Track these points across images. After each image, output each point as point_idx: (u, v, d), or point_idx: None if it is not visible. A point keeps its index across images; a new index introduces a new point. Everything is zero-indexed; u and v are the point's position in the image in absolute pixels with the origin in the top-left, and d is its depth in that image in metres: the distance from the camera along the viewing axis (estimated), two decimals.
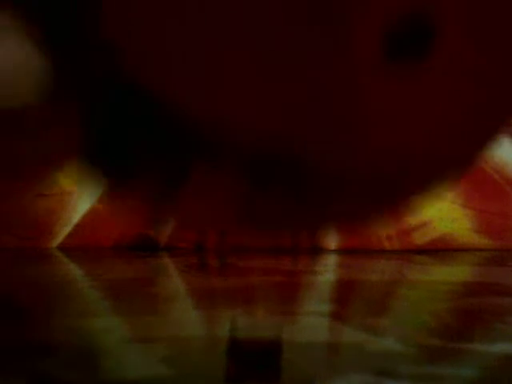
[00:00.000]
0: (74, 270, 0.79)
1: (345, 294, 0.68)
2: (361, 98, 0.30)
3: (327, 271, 0.76)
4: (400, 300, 0.65)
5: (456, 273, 0.77)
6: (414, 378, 0.43)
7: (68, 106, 0.34)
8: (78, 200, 0.84)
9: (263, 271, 0.73)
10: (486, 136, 0.36)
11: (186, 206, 0.36)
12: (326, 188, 0.30)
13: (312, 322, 0.55)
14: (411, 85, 0.31)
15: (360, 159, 0.32)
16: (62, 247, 0.84)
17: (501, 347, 0.49)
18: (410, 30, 0.30)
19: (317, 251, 0.84)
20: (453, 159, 0.37)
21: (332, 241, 0.85)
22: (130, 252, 0.83)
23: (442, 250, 0.85)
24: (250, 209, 0.29)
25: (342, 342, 0.50)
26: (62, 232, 0.84)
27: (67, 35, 0.27)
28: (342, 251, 0.84)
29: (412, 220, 0.85)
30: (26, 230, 0.84)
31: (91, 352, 0.47)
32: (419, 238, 0.85)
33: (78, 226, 0.84)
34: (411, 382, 0.42)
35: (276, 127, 0.29)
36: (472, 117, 0.34)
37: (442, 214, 0.85)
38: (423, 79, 0.31)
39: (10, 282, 0.69)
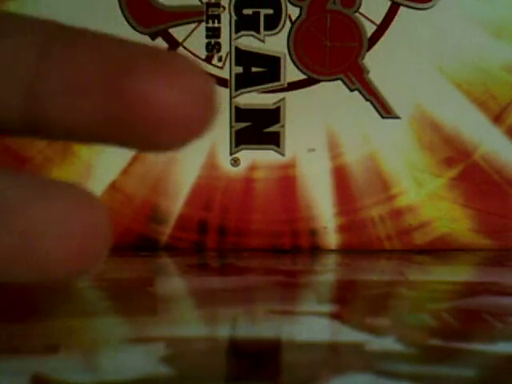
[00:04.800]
0: None
1: (345, 293, 0.68)
2: None
3: (327, 271, 0.76)
4: (400, 300, 0.64)
5: (456, 273, 0.77)
6: (414, 378, 0.43)
7: None
8: None
9: (263, 271, 0.73)
10: None
11: None
12: None
13: (312, 321, 0.55)
14: None
15: None
16: None
17: (501, 347, 0.49)
18: None
19: (317, 251, 0.85)
20: None
21: (332, 241, 0.85)
22: (130, 252, 0.83)
23: (442, 250, 0.85)
24: None
25: (342, 342, 0.50)
26: None
27: None
28: (342, 251, 0.84)
29: (412, 220, 0.85)
30: None
31: (91, 352, 0.47)
32: (419, 238, 0.85)
33: None
34: (411, 382, 0.42)
35: None
36: None
37: (442, 213, 0.85)
38: None
39: (10, 281, 0.69)
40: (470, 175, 0.84)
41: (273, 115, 0.83)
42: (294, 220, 0.85)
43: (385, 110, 0.83)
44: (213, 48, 0.82)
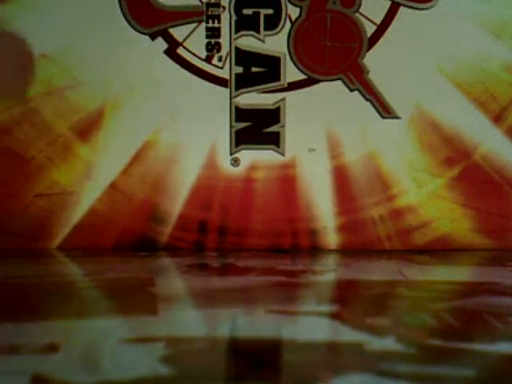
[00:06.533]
0: (74, 270, 0.79)
1: (345, 293, 0.68)
2: None
3: (327, 271, 0.76)
4: (400, 300, 0.64)
5: (456, 273, 0.77)
6: (413, 378, 0.43)
7: None
8: (78, 200, 0.84)
9: (263, 271, 0.73)
10: None
11: None
12: None
13: (312, 322, 0.55)
14: None
15: None
16: (62, 247, 0.84)
17: (501, 347, 0.49)
18: None
19: (317, 251, 0.85)
20: None
21: (332, 241, 0.85)
22: (130, 252, 0.83)
23: (441, 250, 0.85)
24: None
25: (342, 342, 0.50)
26: (62, 232, 0.84)
27: None
28: (342, 251, 0.84)
29: (412, 220, 0.85)
30: (26, 230, 0.84)
31: (91, 352, 0.47)
32: (419, 238, 0.85)
33: (77, 227, 0.84)
34: (411, 382, 0.42)
35: None
36: None
37: (442, 213, 0.85)
38: None
39: (11, 282, 0.69)
40: (470, 175, 0.84)
41: (273, 115, 0.83)
42: (294, 220, 0.85)
43: (385, 110, 0.83)
44: (213, 48, 0.82)
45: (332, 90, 0.83)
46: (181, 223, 0.85)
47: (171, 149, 0.83)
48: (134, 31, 0.82)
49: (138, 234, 0.85)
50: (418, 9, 0.81)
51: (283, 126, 0.83)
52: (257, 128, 0.84)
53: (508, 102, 0.83)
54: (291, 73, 0.82)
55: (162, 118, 0.83)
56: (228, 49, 0.82)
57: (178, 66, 0.82)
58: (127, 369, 0.44)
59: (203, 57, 0.82)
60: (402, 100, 0.83)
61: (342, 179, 0.84)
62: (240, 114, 0.83)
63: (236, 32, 0.82)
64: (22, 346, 0.48)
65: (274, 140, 0.84)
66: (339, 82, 0.82)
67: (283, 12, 0.81)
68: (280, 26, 0.82)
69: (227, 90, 0.82)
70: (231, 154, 0.84)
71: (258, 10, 0.81)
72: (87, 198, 0.84)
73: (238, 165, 0.84)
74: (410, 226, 0.85)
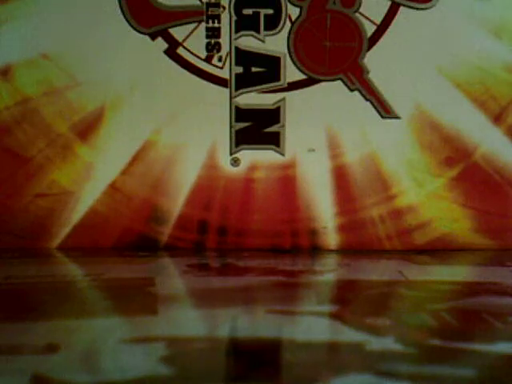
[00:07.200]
0: (74, 270, 0.79)
1: (345, 293, 0.68)
2: None
3: (327, 271, 0.76)
4: (400, 300, 0.64)
5: (456, 273, 0.77)
6: (413, 378, 0.43)
7: None
8: (78, 200, 0.84)
9: (263, 271, 0.73)
10: None
11: None
12: None
13: (312, 322, 0.55)
14: None
15: None
16: (62, 247, 0.84)
17: (501, 347, 0.49)
18: None
19: (317, 251, 0.85)
20: None
21: (332, 241, 0.85)
22: (130, 252, 0.83)
23: (442, 249, 0.85)
24: None
25: (342, 342, 0.50)
26: (62, 232, 0.85)
27: None
28: (342, 251, 0.84)
29: (412, 220, 0.85)
30: (26, 230, 0.84)
31: (91, 352, 0.47)
32: (419, 238, 0.85)
33: (77, 226, 0.84)
34: (411, 382, 0.42)
35: None
36: None
37: (442, 213, 0.85)
38: None
39: (10, 282, 0.69)
40: (470, 175, 0.84)
41: (273, 115, 0.83)
42: (294, 220, 0.85)
43: (385, 110, 0.83)
44: (213, 48, 0.82)
45: (332, 90, 0.83)
46: (181, 223, 0.85)
47: (171, 149, 0.83)
48: (133, 31, 0.82)
49: (138, 233, 0.85)
50: (418, 9, 0.81)
51: (283, 126, 0.83)
52: (257, 128, 0.84)
53: (508, 102, 0.83)
54: (291, 73, 0.83)
55: (161, 118, 0.83)
56: (228, 49, 0.82)
57: (177, 66, 0.82)
58: (127, 369, 0.44)
59: (203, 57, 0.82)
60: (402, 100, 0.83)
61: (341, 179, 0.84)
62: (240, 113, 0.83)
63: (236, 32, 0.82)
64: (22, 345, 0.48)
65: (274, 140, 0.84)
66: (339, 82, 0.82)
67: (283, 12, 0.81)
68: (280, 26, 0.82)
69: (227, 90, 0.83)
70: (231, 154, 0.84)
71: (257, 10, 0.81)
72: (87, 198, 0.84)
73: (238, 165, 0.84)
74: (410, 226, 0.85)
